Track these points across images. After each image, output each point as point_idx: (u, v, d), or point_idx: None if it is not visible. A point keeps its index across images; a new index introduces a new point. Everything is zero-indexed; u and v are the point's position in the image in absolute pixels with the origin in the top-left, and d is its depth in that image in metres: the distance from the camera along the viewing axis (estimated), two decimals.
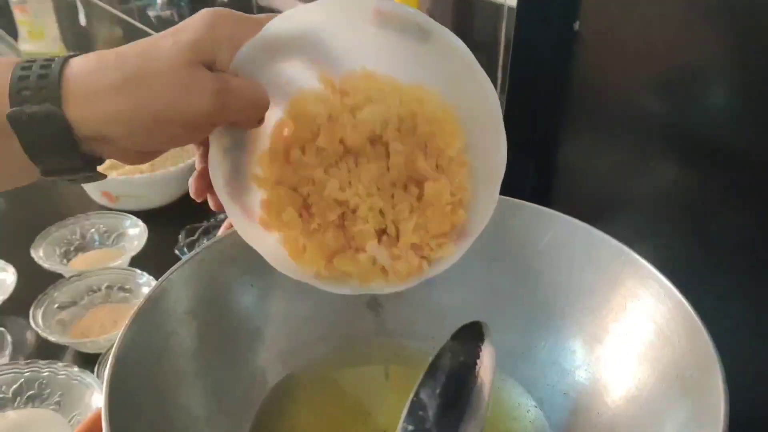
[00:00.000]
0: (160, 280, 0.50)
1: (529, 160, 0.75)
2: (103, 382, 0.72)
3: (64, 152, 0.38)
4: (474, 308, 0.58)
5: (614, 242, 0.51)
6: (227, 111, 0.39)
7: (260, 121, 0.43)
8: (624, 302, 0.49)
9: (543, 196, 0.75)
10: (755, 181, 0.56)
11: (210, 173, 0.45)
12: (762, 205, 0.56)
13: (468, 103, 0.43)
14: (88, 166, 0.39)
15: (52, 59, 0.37)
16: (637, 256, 0.49)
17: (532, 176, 0.75)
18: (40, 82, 0.36)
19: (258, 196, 0.45)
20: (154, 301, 0.49)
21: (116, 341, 0.45)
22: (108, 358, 0.75)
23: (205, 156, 0.46)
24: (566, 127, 0.71)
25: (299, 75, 0.43)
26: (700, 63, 0.59)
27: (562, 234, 0.54)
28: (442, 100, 0.43)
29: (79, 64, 0.37)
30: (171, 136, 0.39)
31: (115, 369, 0.43)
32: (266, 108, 0.41)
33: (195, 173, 0.48)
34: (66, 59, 0.37)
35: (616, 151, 0.68)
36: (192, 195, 0.48)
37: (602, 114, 0.68)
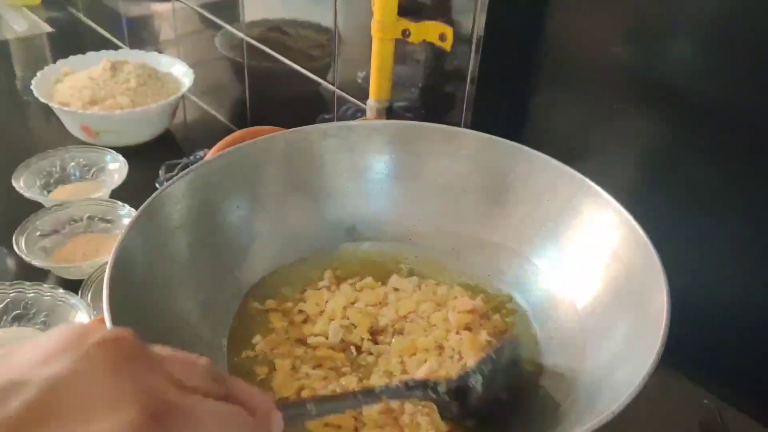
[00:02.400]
0: (156, 192, 0.52)
1: (503, 111, 0.78)
2: (88, 303, 0.75)
3: None
4: (447, 237, 0.62)
5: (577, 174, 0.55)
6: None
7: None
8: (584, 228, 0.54)
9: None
10: (714, 127, 0.60)
11: None
12: (718, 148, 0.60)
13: None
14: None
15: None
16: (597, 187, 0.53)
17: (505, 126, 0.79)
18: None
19: None
20: (148, 214, 0.52)
21: (113, 249, 0.48)
22: (91, 282, 0.78)
23: None
24: (539, 78, 0.75)
25: None
26: (667, 15, 0.62)
27: (530, 167, 0.58)
28: None
29: None
30: None
31: (113, 272, 0.46)
32: None
33: None
34: None
35: (586, 100, 0.72)
36: None
37: (573, 65, 0.72)
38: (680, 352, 0.60)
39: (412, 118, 0.83)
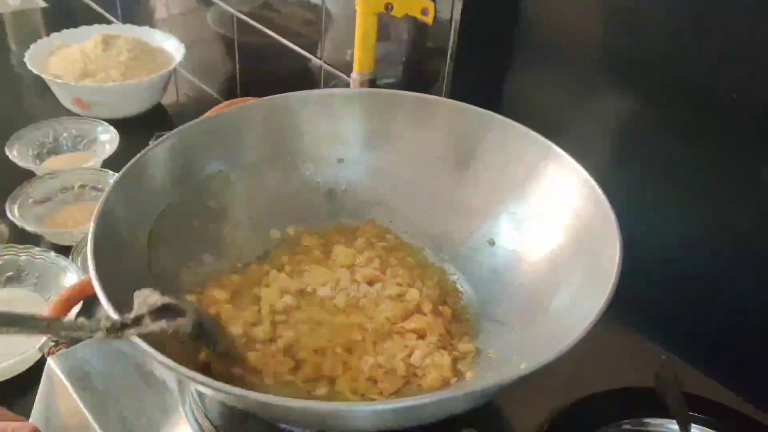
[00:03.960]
0: (138, 155, 0.55)
1: (480, 87, 0.80)
2: (78, 266, 0.78)
3: None
4: (421, 201, 0.65)
5: (543, 139, 0.58)
6: None
7: None
8: (548, 189, 0.57)
9: None
10: (681, 104, 0.63)
11: None
12: (684, 124, 0.63)
13: None
14: None
15: None
16: (561, 151, 0.56)
17: (483, 101, 0.81)
18: None
19: None
20: (130, 176, 0.54)
21: (96, 208, 0.50)
22: (81, 246, 0.81)
23: None
24: (516, 55, 0.76)
25: None
26: None
27: (500, 134, 0.61)
28: None
29: None
30: None
31: (98, 225, 0.48)
32: None
33: None
34: None
35: (562, 78, 0.73)
36: None
37: (550, 43, 0.73)
38: (639, 312, 0.64)
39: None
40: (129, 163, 0.54)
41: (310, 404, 0.38)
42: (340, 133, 0.64)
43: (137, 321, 0.43)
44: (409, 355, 0.52)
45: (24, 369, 0.70)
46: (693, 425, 0.54)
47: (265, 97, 0.64)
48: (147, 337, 0.42)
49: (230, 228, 0.62)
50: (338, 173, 0.65)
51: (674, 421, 0.54)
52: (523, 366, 0.47)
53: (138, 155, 0.55)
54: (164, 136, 0.57)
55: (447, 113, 0.62)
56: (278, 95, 0.63)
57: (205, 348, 0.49)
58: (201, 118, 0.60)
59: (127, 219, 0.54)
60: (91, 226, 0.49)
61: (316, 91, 0.65)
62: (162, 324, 0.43)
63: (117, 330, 0.42)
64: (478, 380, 0.52)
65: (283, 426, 0.51)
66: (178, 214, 0.58)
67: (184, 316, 0.44)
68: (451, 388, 0.51)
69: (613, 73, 0.68)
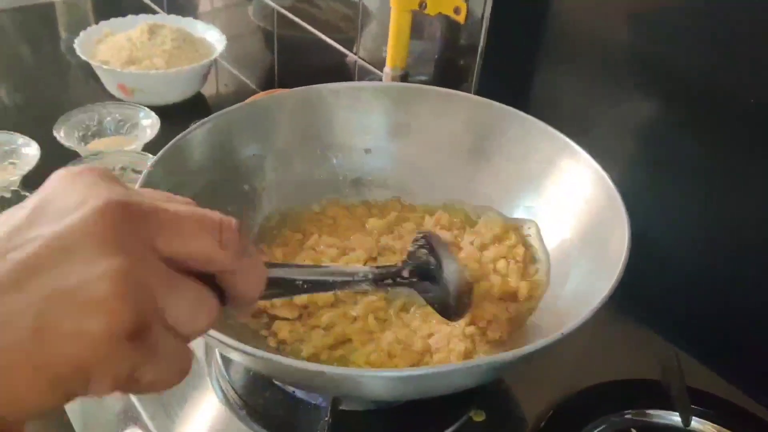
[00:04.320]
0: (179, 136, 0.59)
1: (508, 84, 0.82)
2: None
3: None
4: (441, 190, 0.68)
5: (560, 135, 0.60)
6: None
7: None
8: (562, 182, 0.60)
9: None
10: (708, 109, 0.64)
11: None
12: (706, 126, 0.65)
13: None
14: None
15: None
16: (577, 146, 0.59)
17: (509, 98, 0.83)
18: None
19: None
20: (170, 155, 0.58)
21: (138, 182, 0.54)
22: None
23: None
24: (544, 53, 0.79)
25: None
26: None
27: (520, 129, 0.64)
28: None
29: None
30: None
31: None
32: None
33: None
34: None
35: (588, 76, 0.75)
36: None
37: (577, 42, 0.75)
38: (648, 306, 0.66)
39: None
40: (169, 143, 0.57)
41: (322, 368, 0.41)
42: (368, 124, 0.68)
43: (398, 273, 0.49)
44: (429, 336, 0.55)
45: None
46: (694, 418, 0.56)
47: (297, 88, 0.67)
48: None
49: (260, 206, 0.65)
50: (365, 162, 0.69)
51: (676, 413, 0.56)
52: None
53: (178, 136, 0.58)
54: (203, 120, 0.60)
55: (469, 107, 0.66)
56: (310, 86, 0.67)
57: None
58: (237, 105, 0.64)
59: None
60: None
61: (346, 84, 0.68)
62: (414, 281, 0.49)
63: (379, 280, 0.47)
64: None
65: (300, 395, 0.54)
66: (213, 194, 0.61)
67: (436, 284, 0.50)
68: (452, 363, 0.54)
69: (638, 76, 0.70)
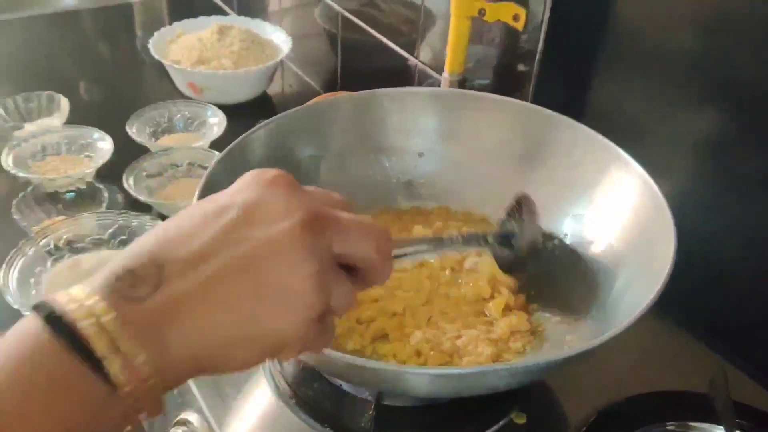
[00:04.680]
0: (242, 135, 0.62)
1: (564, 91, 0.83)
2: None
3: None
4: (493, 196, 0.69)
5: (612, 145, 0.61)
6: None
7: None
8: (612, 191, 0.61)
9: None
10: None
11: None
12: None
13: None
14: None
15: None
16: (628, 156, 0.59)
17: (565, 105, 0.84)
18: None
19: None
20: (233, 153, 0.61)
21: (204, 176, 0.57)
22: None
23: None
24: (602, 61, 0.79)
25: None
26: (737, 6, 0.65)
27: (572, 137, 0.64)
28: None
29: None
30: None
31: (201, 195, 0.55)
32: None
33: None
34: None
35: (647, 86, 0.75)
36: None
37: (637, 50, 0.75)
38: (698, 319, 0.65)
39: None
40: (233, 143, 0.60)
41: (365, 363, 0.43)
42: (422, 129, 0.70)
43: (484, 236, 0.54)
44: (457, 338, 0.57)
45: None
46: None
47: (354, 92, 0.69)
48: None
49: None
50: (417, 166, 0.70)
51: (720, 427, 0.56)
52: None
53: (241, 136, 0.61)
54: (265, 122, 0.63)
55: (520, 114, 0.67)
56: (366, 91, 0.69)
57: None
58: (297, 108, 0.66)
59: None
60: (196, 194, 0.56)
61: (400, 89, 0.70)
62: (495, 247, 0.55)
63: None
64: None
65: (347, 388, 0.57)
66: None
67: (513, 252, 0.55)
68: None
69: (702, 86, 0.69)
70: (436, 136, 0.70)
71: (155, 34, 1.24)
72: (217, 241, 0.34)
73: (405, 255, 0.46)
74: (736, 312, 0.67)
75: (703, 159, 0.71)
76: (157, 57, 1.19)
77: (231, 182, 0.60)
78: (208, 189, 0.57)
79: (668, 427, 0.57)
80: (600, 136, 0.62)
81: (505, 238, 0.55)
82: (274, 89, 1.29)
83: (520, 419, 0.58)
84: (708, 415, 0.57)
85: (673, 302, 0.60)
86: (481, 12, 0.84)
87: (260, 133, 0.64)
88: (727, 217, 0.67)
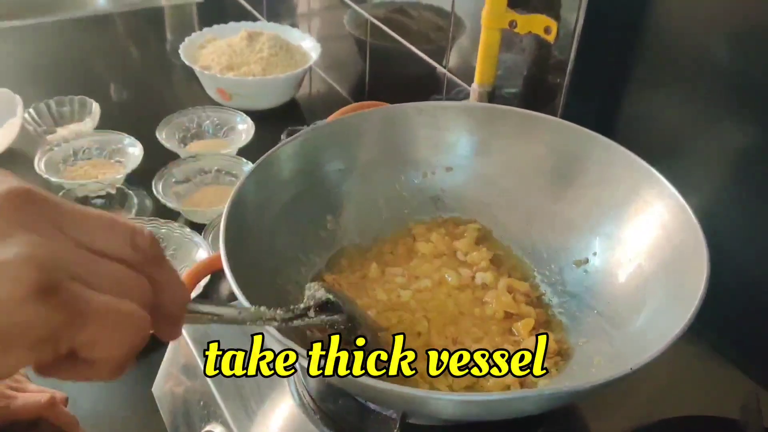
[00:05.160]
0: (272, 149, 0.62)
1: (596, 105, 0.82)
2: (208, 243, 0.86)
3: None
4: (521, 212, 0.69)
5: (644, 164, 0.60)
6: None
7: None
8: (643, 212, 0.60)
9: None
10: None
11: None
12: None
13: None
14: None
15: None
16: (661, 176, 0.58)
17: (597, 118, 0.83)
18: None
19: None
20: (263, 167, 0.61)
21: (233, 191, 0.58)
22: (213, 226, 0.90)
23: None
24: (635, 75, 0.78)
25: None
26: None
27: (600, 155, 0.64)
28: None
29: None
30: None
31: (231, 209, 0.56)
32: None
33: None
34: None
35: (681, 101, 0.74)
36: None
37: (671, 64, 0.74)
38: (732, 343, 0.64)
39: (513, 105, 0.88)
40: (263, 156, 0.61)
41: (393, 387, 0.43)
42: (450, 143, 0.69)
43: (304, 313, 0.49)
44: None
45: None
46: None
47: (382, 106, 0.69)
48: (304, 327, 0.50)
49: (341, 217, 0.68)
50: (445, 180, 0.70)
51: None
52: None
53: (271, 150, 0.62)
54: (294, 136, 0.64)
55: (551, 130, 0.66)
56: (395, 105, 0.69)
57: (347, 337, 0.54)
58: (325, 121, 0.66)
59: (257, 204, 0.61)
60: (225, 210, 0.56)
61: (430, 103, 0.69)
62: (322, 317, 0.50)
63: (287, 321, 0.47)
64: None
65: (372, 406, 0.56)
66: (300, 205, 0.65)
67: (342, 313, 0.51)
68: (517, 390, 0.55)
69: (739, 101, 0.67)
70: (465, 151, 0.69)
71: (186, 39, 1.25)
72: None
73: (207, 317, 0.41)
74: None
75: (742, 177, 0.69)
76: (187, 63, 1.19)
77: (261, 195, 0.62)
78: (239, 202, 0.57)
79: None
80: (633, 155, 0.61)
81: (323, 307, 0.51)
82: (302, 95, 1.30)
83: None
84: None
85: (707, 325, 0.59)
86: (512, 24, 0.84)
87: (290, 146, 0.64)
88: (763, 237, 0.66)
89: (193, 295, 0.75)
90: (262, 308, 0.46)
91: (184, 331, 0.65)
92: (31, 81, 1.30)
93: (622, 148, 0.62)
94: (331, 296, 0.51)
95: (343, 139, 0.67)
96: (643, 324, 0.55)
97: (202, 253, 0.84)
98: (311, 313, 0.49)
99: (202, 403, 0.62)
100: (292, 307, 0.48)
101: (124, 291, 0.31)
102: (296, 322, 0.49)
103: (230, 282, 0.51)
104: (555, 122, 0.67)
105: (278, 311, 0.46)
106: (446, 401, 0.45)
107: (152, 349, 0.74)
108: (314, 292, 0.51)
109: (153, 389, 0.71)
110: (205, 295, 0.81)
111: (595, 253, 0.63)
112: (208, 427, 0.59)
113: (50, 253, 0.29)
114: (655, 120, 0.77)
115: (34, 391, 0.68)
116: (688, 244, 0.54)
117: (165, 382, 0.69)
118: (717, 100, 0.70)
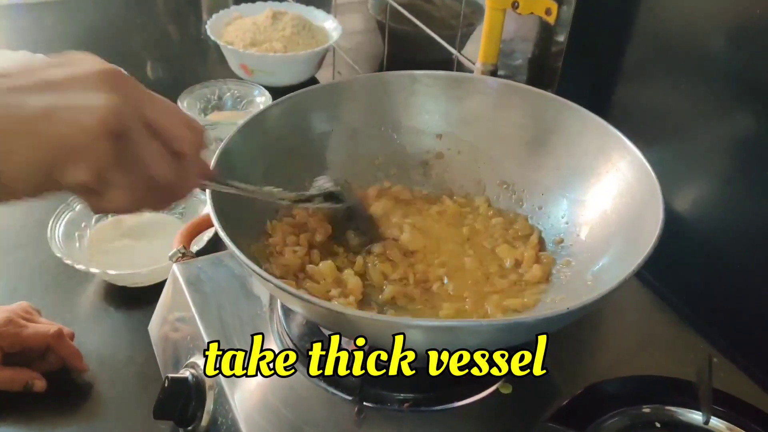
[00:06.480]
0: (263, 107, 0.66)
1: (588, 86, 0.84)
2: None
3: None
4: (504, 177, 0.73)
5: (614, 131, 0.64)
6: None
7: None
8: (610, 173, 0.64)
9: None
10: None
11: None
12: None
13: None
14: None
15: None
16: (628, 142, 0.62)
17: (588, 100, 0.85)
18: None
19: None
20: (256, 121, 0.66)
21: (221, 144, 0.62)
22: None
23: None
24: (626, 61, 0.80)
25: None
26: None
27: (584, 127, 0.67)
28: None
29: None
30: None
31: (220, 157, 0.60)
32: None
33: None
34: None
35: (670, 89, 0.75)
36: None
37: (662, 52, 0.76)
38: (694, 308, 0.67)
39: None
40: (252, 114, 0.65)
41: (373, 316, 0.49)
42: (440, 110, 0.73)
43: (311, 198, 0.62)
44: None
45: (164, 277, 0.84)
46: (714, 418, 0.57)
47: (373, 73, 0.73)
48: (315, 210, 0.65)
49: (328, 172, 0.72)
50: (434, 147, 0.74)
51: (699, 412, 0.57)
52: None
53: (261, 108, 0.66)
54: (282, 98, 0.68)
55: (533, 101, 0.70)
56: (385, 72, 0.73)
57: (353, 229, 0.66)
58: (317, 85, 0.71)
59: (246, 157, 0.65)
60: (214, 158, 0.61)
61: (423, 72, 0.73)
62: (327, 204, 0.63)
63: (296, 201, 0.61)
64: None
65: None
66: (289, 160, 0.69)
67: (343, 203, 0.64)
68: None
69: (730, 87, 0.69)
70: (454, 118, 0.73)
71: (213, 16, 1.31)
72: (27, 75, 0.41)
73: (231, 189, 0.54)
74: (737, 305, 0.68)
75: (726, 160, 0.71)
76: (213, 38, 1.25)
77: (248, 151, 0.66)
78: (226, 155, 0.61)
79: (644, 410, 0.58)
80: (607, 124, 0.64)
81: (329, 197, 0.63)
82: (324, 74, 1.34)
83: (506, 389, 0.61)
84: (690, 401, 0.58)
85: (676, 293, 0.63)
86: (515, 4, 0.86)
87: (279, 107, 0.68)
88: (741, 216, 0.69)
89: (196, 248, 0.80)
90: (276, 189, 0.58)
91: (177, 273, 0.70)
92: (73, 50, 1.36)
93: (600, 119, 0.65)
94: (336, 188, 0.63)
95: (333, 102, 0.71)
96: (604, 266, 0.59)
97: (207, 209, 0.89)
98: (317, 199, 0.61)
99: (191, 344, 0.67)
100: (302, 192, 0.61)
101: (183, 131, 0.45)
102: (304, 205, 0.63)
103: (214, 221, 0.55)
104: (532, 91, 0.71)
105: (290, 193, 0.59)
106: (423, 327, 0.48)
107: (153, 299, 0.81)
108: (323, 183, 0.64)
109: (149, 328, 0.76)
110: (209, 250, 0.85)
111: (563, 216, 0.68)
112: (192, 359, 0.64)
113: (127, 112, 0.41)
114: (646, 106, 0.80)
115: (44, 323, 0.74)
116: (647, 199, 0.58)
117: (159, 325, 0.74)
118: (705, 86, 0.72)
